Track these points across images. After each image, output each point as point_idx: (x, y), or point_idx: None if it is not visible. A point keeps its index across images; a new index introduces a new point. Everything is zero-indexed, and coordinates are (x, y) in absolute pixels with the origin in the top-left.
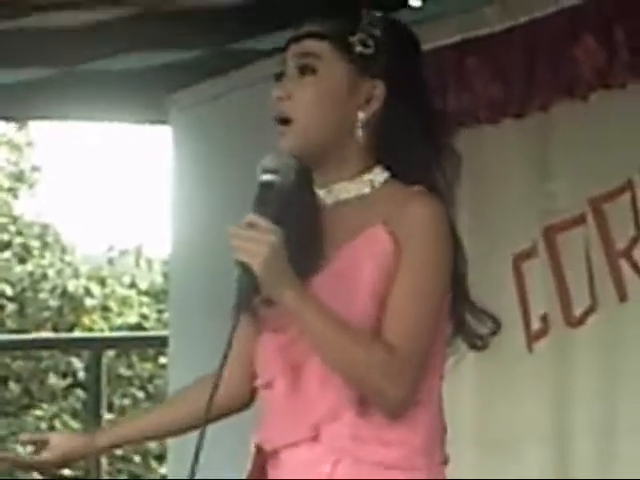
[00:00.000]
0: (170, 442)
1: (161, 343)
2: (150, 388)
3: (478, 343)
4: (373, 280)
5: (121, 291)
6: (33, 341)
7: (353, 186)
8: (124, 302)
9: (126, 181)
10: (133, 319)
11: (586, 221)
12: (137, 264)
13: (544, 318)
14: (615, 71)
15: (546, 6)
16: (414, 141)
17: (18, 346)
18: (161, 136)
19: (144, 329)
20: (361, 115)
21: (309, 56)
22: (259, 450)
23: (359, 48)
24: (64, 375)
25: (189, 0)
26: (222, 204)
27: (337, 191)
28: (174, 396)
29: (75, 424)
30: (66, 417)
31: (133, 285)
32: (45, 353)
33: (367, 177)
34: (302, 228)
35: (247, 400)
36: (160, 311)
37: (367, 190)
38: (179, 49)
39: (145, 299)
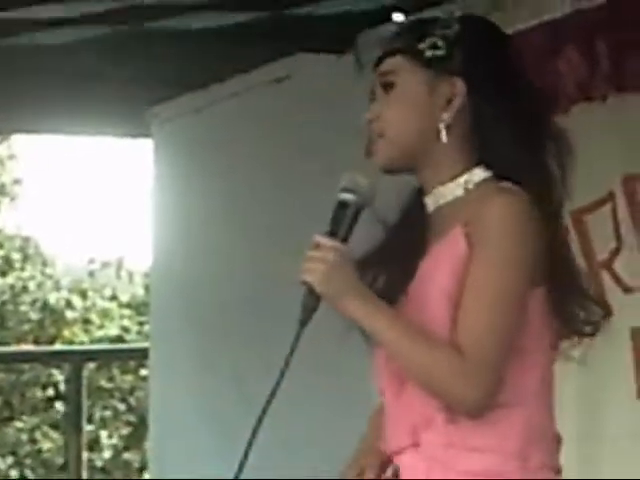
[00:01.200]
0: (151, 454)
1: (142, 355)
2: (131, 400)
3: (586, 330)
4: (448, 283)
5: (102, 303)
6: (14, 354)
7: (448, 189)
8: (105, 314)
9: (107, 194)
10: (114, 331)
11: (569, 233)
12: (118, 276)
13: None
14: (596, 84)
15: (529, 19)
16: (508, 135)
17: None
18: (142, 149)
19: (125, 341)
20: (445, 116)
21: (387, 74)
22: (381, 456)
23: (430, 52)
24: (45, 387)
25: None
26: (203, 217)
27: (436, 196)
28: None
29: (56, 436)
30: (47, 429)
31: (114, 297)
32: (26, 366)
33: (462, 179)
34: (403, 240)
35: None
36: (141, 323)
37: (461, 192)
38: (159, 63)
39: (126, 311)
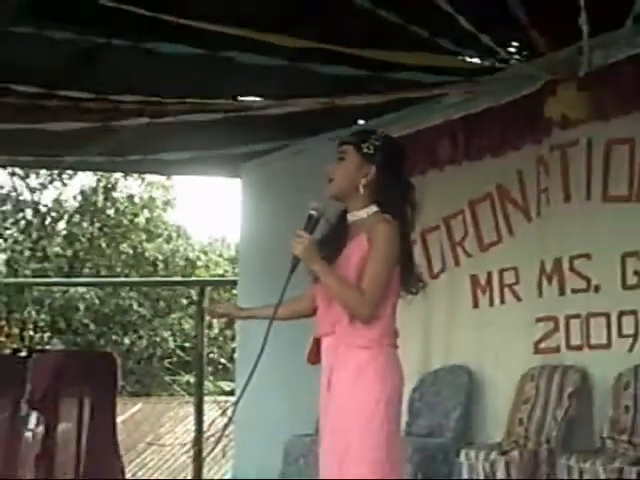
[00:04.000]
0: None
1: (234, 283)
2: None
3: (413, 291)
4: (357, 261)
5: (215, 258)
6: (153, 282)
7: (359, 214)
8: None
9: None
10: (220, 272)
11: (440, 228)
12: (223, 245)
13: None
14: (457, 155)
15: (423, 123)
16: (390, 191)
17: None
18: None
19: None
20: (362, 181)
21: (342, 152)
22: (315, 338)
23: (365, 149)
24: (188, 297)
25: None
26: (270, 225)
27: (353, 216)
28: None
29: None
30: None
31: (220, 255)
32: (179, 287)
33: (365, 210)
34: (337, 235)
35: (311, 313)
36: (234, 269)
37: (365, 216)
38: (247, 136)
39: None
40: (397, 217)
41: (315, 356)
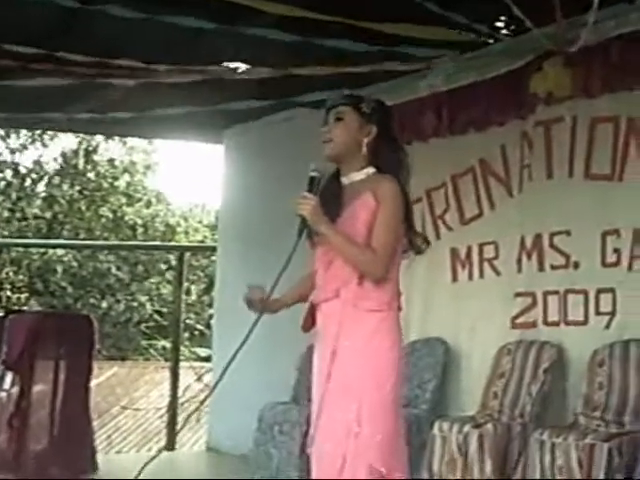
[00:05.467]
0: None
1: (213, 249)
2: (206, 272)
3: (420, 250)
4: (366, 219)
5: (194, 224)
6: (132, 245)
7: (358, 175)
8: (196, 230)
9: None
10: (200, 237)
11: (422, 200)
12: (203, 211)
13: None
14: (442, 129)
15: (408, 95)
16: (389, 153)
17: (114, 247)
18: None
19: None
20: (365, 140)
21: (340, 113)
22: (312, 304)
23: (364, 109)
24: (166, 262)
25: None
26: (251, 188)
27: (350, 177)
28: (296, 284)
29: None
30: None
31: (200, 221)
32: (159, 251)
33: (364, 171)
34: (334, 196)
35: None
36: (213, 235)
37: (364, 177)
38: (233, 102)
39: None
40: (397, 176)
41: (310, 323)
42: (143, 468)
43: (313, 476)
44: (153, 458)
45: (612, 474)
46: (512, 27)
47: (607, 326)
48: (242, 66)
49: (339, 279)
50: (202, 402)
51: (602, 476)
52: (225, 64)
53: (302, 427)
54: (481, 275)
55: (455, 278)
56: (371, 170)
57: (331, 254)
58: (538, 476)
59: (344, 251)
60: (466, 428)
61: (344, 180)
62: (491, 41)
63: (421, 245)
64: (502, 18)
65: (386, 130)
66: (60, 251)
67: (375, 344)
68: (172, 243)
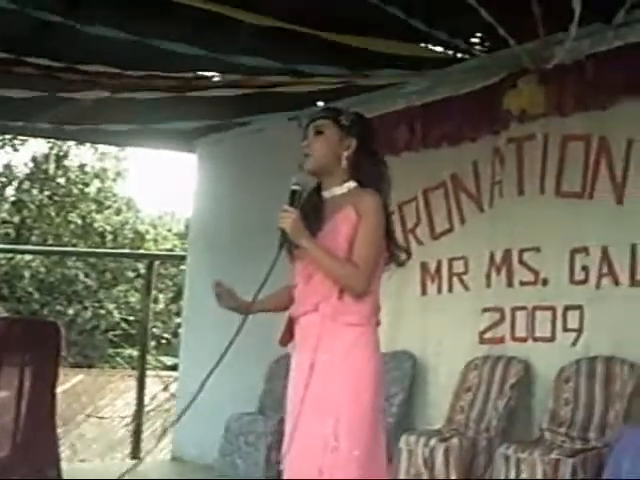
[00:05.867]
0: (184, 311)
1: (182, 258)
2: (175, 280)
3: (400, 262)
4: (347, 233)
5: (164, 232)
6: (102, 253)
7: (339, 189)
8: (165, 238)
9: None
10: (169, 245)
11: (394, 214)
12: (172, 219)
13: None
14: (415, 142)
15: (382, 109)
16: (370, 167)
17: (84, 254)
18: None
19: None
20: (345, 154)
21: (319, 126)
22: (290, 318)
23: (343, 122)
24: (135, 271)
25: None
26: (221, 197)
27: (332, 192)
28: (275, 292)
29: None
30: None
31: (169, 230)
32: (129, 259)
33: (346, 185)
34: (315, 210)
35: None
36: (183, 243)
37: (345, 191)
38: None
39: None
40: (375, 187)
41: (288, 337)
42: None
43: None
44: (135, 465)
45: None
46: (487, 44)
47: (574, 343)
48: (217, 76)
49: (319, 293)
50: (187, 407)
51: None
52: (200, 73)
53: (267, 438)
54: (450, 289)
55: (424, 292)
56: (352, 184)
57: (311, 268)
58: None
59: (325, 265)
60: (432, 442)
61: (325, 194)
62: (467, 57)
63: (402, 257)
64: (478, 34)
65: (366, 143)
66: (28, 256)
67: (353, 358)
68: (142, 251)
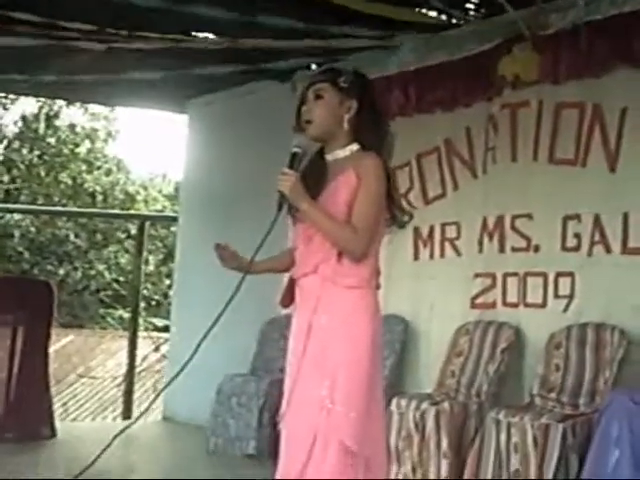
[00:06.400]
0: (175, 275)
1: (173, 219)
2: (165, 242)
3: (402, 224)
4: (346, 197)
5: (154, 194)
6: (94, 213)
7: (341, 152)
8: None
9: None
10: (159, 207)
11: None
12: (164, 181)
13: None
14: (408, 107)
15: (376, 72)
16: (372, 128)
17: (74, 215)
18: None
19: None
20: (346, 116)
21: (318, 90)
22: (291, 279)
23: (342, 84)
24: (125, 231)
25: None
26: (213, 157)
27: (334, 155)
28: (278, 254)
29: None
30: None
31: (160, 191)
32: (120, 219)
33: (348, 148)
34: (318, 173)
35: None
36: (173, 205)
37: (348, 154)
38: (197, 69)
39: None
40: (379, 152)
41: (289, 299)
42: (121, 433)
43: (283, 450)
44: (131, 424)
45: (566, 453)
46: (483, 10)
47: (565, 309)
48: (211, 36)
49: (318, 255)
50: (184, 368)
51: (556, 455)
52: (194, 34)
53: (260, 399)
54: (442, 255)
55: (417, 257)
56: (355, 147)
57: (311, 230)
58: (493, 453)
59: (324, 228)
60: (423, 405)
61: (328, 157)
62: (462, 22)
63: (403, 219)
64: (474, 0)
65: (367, 104)
66: (18, 216)
67: (353, 321)
68: (133, 212)
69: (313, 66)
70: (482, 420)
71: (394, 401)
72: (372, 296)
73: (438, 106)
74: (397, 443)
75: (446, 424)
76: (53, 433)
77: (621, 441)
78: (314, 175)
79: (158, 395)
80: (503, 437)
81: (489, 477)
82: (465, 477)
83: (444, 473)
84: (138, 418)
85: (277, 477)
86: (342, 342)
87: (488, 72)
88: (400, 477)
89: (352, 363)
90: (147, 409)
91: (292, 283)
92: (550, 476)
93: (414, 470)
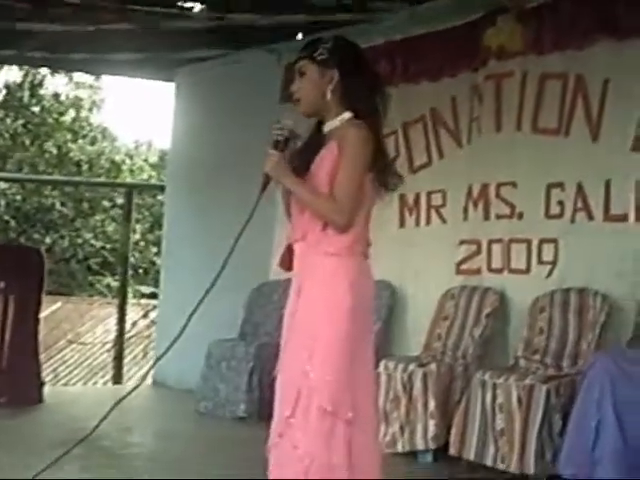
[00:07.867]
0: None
1: (160, 188)
2: (151, 211)
3: (392, 188)
4: (328, 168)
5: (140, 163)
6: (81, 182)
7: (333, 123)
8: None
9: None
10: (145, 176)
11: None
12: (149, 150)
13: None
14: (395, 77)
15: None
16: (359, 93)
17: (60, 183)
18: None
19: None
20: (329, 87)
21: (301, 68)
22: (289, 244)
23: (320, 57)
24: (111, 200)
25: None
26: (198, 125)
27: (327, 126)
28: None
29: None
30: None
31: (146, 160)
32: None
33: (339, 117)
34: (316, 147)
35: None
36: (159, 174)
37: (338, 124)
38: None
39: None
40: (369, 112)
41: (288, 262)
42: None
43: (276, 405)
44: (134, 389)
45: (550, 413)
46: None
47: (549, 275)
48: (197, 6)
49: (307, 223)
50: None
51: (540, 414)
52: (180, 4)
53: (249, 363)
54: (428, 222)
55: (402, 224)
56: (346, 115)
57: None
58: (479, 413)
59: (307, 203)
60: (411, 367)
61: (325, 129)
62: None
63: (393, 183)
64: None
65: (349, 69)
66: (3, 184)
67: (332, 287)
68: (120, 180)
69: (299, 35)
70: (468, 381)
71: (382, 363)
72: (354, 263)
73: (424, 76)
74: (385, 405)
75: (433, 385)
76: (41, 398)
77: (603, 401)
78: (311, 149)
79: (158, 361)
80: (489, 397)
81: (475, 436)
82: (452, 436)
83: (431, 433)
84: (139, 385)
85: (271, 428)
86: (320, 307)
87: (473, 43)
88: (388, 438)
89: (329, 328)
90: (146, 375)
91: (290, 247)
92: (534, 435)
93: (402, 430)
